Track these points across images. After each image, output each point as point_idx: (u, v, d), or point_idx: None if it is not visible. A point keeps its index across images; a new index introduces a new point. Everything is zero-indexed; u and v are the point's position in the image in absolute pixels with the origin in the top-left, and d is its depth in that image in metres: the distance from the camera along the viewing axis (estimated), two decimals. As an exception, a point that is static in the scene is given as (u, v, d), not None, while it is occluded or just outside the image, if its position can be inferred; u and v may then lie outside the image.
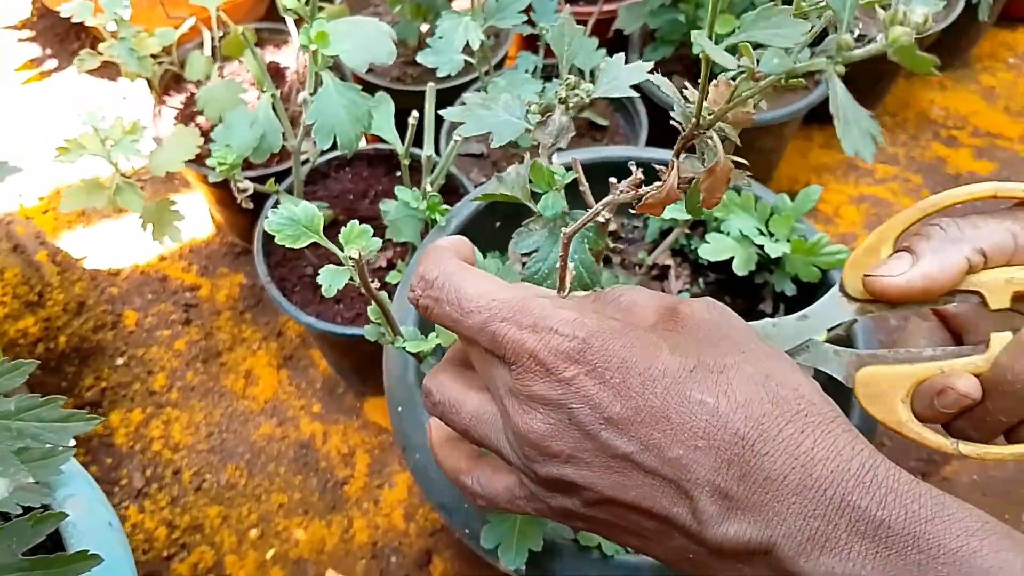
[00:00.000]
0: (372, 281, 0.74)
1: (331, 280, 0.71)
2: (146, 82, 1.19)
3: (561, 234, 0.77)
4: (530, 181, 0.78)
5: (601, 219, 0.72)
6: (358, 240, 0.70)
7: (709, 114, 0.50)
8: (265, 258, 1.17)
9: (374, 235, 1.22)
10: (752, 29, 0.43)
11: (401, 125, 1.00)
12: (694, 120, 0.51)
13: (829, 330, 0.62)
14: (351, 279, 0.72)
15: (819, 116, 1.74)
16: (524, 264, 0.75)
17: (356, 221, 0.72)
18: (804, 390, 0.43)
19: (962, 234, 0.52)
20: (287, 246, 0.69)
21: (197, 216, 1.62)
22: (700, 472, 0.40)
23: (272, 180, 1.12)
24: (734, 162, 0.51)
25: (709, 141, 0.51)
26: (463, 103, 0.75)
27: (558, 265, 0.74)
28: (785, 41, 0.42)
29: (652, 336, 0.44)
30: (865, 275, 0.55)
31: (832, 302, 0.60)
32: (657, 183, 0.55)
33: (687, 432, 0.41)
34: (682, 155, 0.54)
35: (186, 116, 1.36)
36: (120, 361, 1.45)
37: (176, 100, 1.40)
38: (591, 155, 1.05)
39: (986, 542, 0.36)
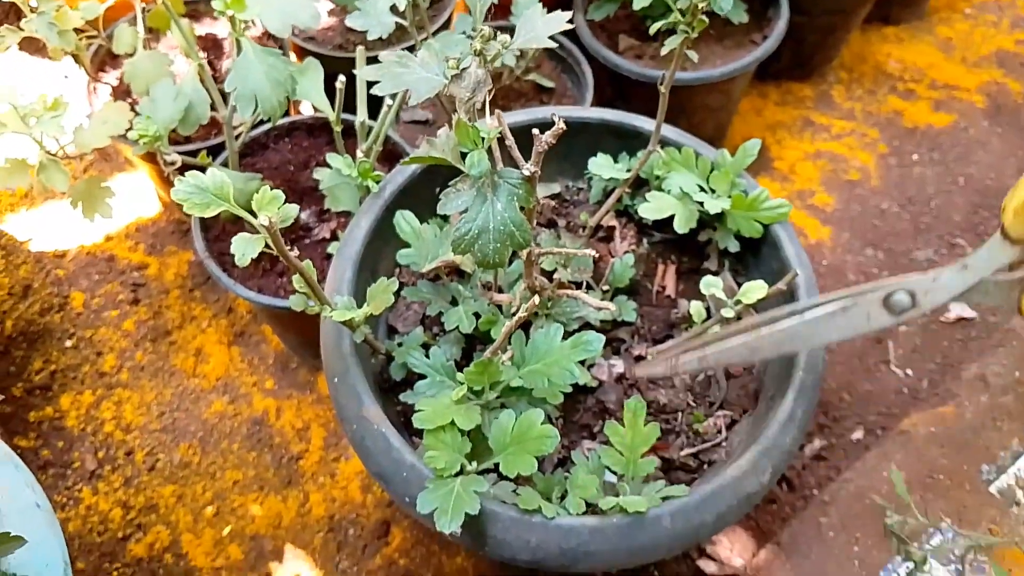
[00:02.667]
0: (291, 249, 0.72)
1: (244, 249, 0.69)
2: (72, 58, 1.15)
3: (489, 192, 0.75)
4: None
5: (527, 172, 0.70)
6: (269, 206, 0.68)
7: None
8: (203, 232, 1.14)
9: (315, 206, 1.20)
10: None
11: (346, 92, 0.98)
12: None
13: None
14: (267, 247, 0.69)
15: (774, 73, 1.72)
16: (455, 226, 0.73)
17: (277, 190, 0.70)
18: None
19: None
20: (198, 215, 0.67)
21: (143, 195, 1.59)
22: None
23: (204, 152, 1.09)
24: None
25: None
26: (379, 62, 0.73)
27: (490, 226, 0.73)
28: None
29: None
30: None
31: (994, 248, 0.60)
32: None
33: None
34: None
35: (122, 92, 1.32)
36: (69, 343, 1.43)
37: (112, 76, 1.36)
38: (530, 116, 1.03)
39: None
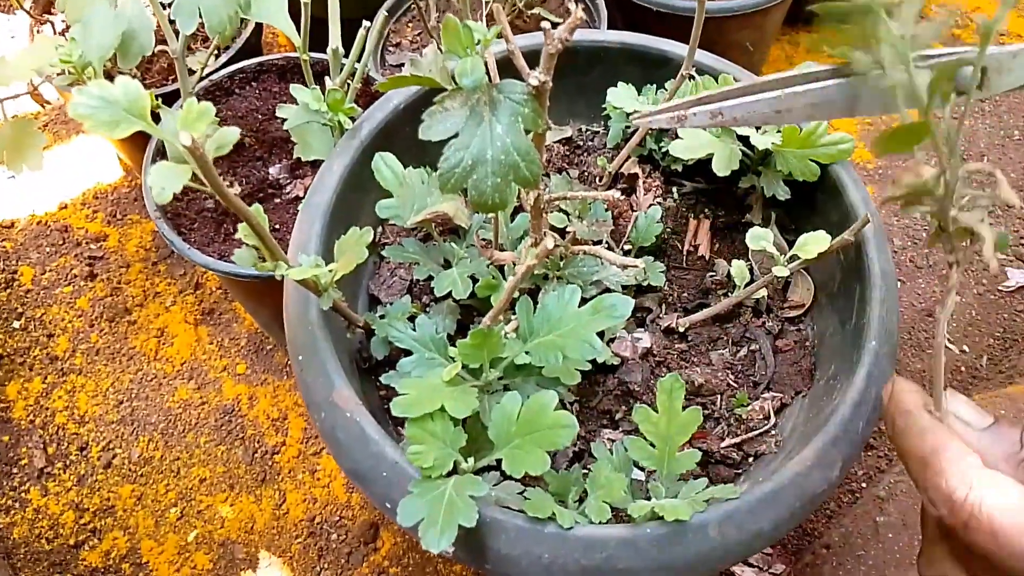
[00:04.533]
0: (231, 185, 0.56)
1: (164, 180, 0.52)
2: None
3: (485, 111, 0.60)
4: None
5: (535, 81, 0.54)
6: (196, 124, 0.51)
7: None
8: (155, 189, 0.98)
9: (287, 160, 1.04)
10: None
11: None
12: None
13: None
14: (197, 182, 0.53)
15: (805, 17, 1.58)
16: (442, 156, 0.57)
17: (207, 103, 0.54)
18: None
19: None
20: (105, 136, 0.51)
21: (103, 158, 1.44)
22: None
23: (154, 96, 0.92)
24: None
25: None
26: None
27: (488, 155, 0.57)
28: None
29: None
30: None
31: None
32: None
33: None
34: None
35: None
36: (16, 324, 1.28)
37: (59, 19, 1.22)
38: (534, 41, 0.87)
39: None
